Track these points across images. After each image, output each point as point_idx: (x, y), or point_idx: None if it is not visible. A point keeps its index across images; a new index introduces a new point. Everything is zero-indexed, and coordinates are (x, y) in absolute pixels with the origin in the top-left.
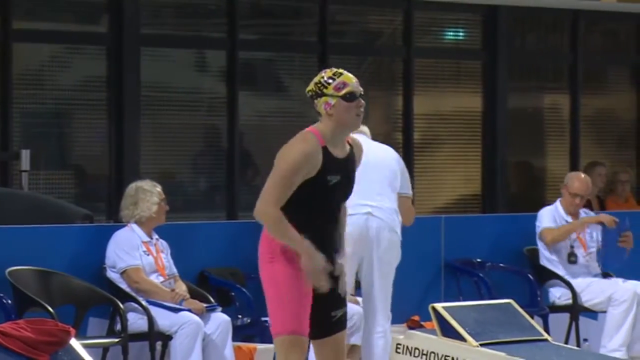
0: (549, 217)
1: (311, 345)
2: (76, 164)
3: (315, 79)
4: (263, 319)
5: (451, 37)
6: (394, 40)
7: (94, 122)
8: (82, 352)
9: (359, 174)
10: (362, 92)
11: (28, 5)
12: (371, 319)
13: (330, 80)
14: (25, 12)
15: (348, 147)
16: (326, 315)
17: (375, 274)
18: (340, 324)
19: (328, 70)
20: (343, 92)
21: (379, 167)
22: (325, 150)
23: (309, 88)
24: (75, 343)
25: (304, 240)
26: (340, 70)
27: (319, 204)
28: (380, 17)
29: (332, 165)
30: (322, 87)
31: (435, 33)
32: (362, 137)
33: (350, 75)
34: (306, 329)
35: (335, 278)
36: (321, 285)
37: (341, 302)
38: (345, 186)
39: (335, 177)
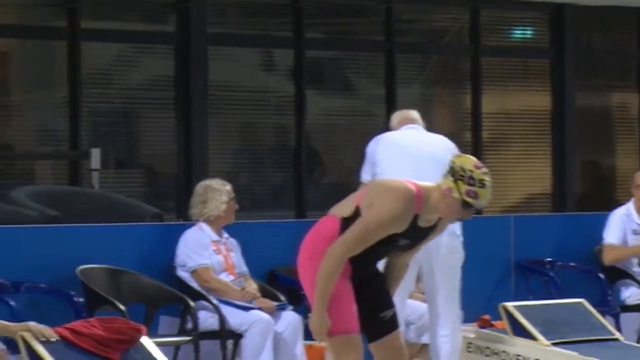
0: (617, 227)
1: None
2: (145, 163)
3: (466, 163)
4: None
5: (518, 36)
6: (460, 39)
7: (162, 121)
8: (154, 350)
9: (415, 168)
10: (480, 210)
11: (96, 5)
12: (435, 323)
13: (470, 181)
14: (93, 11)
15: (437, 219)
16: (376, 317)
17: (437, 280)
18: (391, 324)
19: (482, 169)
20: (467, 199)
21: (435, 162)
22: (415, 218)
23: (456, 160)
24: (146, 341)
25: (326, 299)
26: (486, 181)
27: (371, 249)
28: (446, 15)
29: (411, 232)
30: (460, 175)
31: (502, 31)
32: (416, 129)
33: (488, 193)
34: (356, 327)
35: (380, 277)
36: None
37: (389, 303)
38: (407, 248)
39: (405, 240)
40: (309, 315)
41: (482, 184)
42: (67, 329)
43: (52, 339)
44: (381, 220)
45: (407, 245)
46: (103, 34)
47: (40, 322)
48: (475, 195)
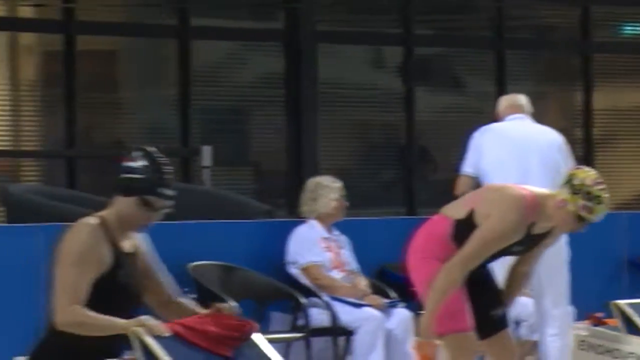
0: None
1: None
2: (255, 160)
3: (586, 179)
4: None
5: (630, 32)
6: (571, 35)
7: (272, 119)
8: (266, 346)
9: (521, 162)
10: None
11: (206, 3)
12: (543, 323)
13: (587, 197)
14: (203, 9)
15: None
16: (486, 315)
17: (542, 280)
18: (501, 322)
19: (601, 185)
20: (582, 213)
21: (542, 156)
22: (530, 225)
23: (577, 173)
24: (258, 338)
25: (438, 309)
26: (603, 198)
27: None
28: (556, 11)
29: (525, 239)
30: (577, 189)
31: (613, 27)
32: (523, 119)
33: (603, 210)
34: (470, 325)
35: (490, 277)
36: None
37: (499, 301)
38: (521, 253)
39: (519, 247)
40: (419, 312)
41: (598, 201)
42: (179, 324)
43: (165, 335)
44: (500, 234)
45: (520, 251)
46: (213, 32)
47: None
48: (590, 211)
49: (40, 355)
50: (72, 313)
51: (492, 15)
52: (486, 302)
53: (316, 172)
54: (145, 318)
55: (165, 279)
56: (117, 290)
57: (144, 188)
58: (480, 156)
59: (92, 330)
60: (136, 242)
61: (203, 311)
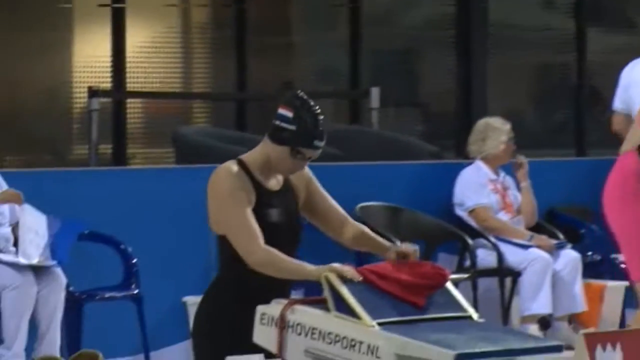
0: None
1: None
2: (423, 102)
3: None
4: (613, 256)
5: None
6: None
7: (441, 60)
8: (457, 293)
9: None
10: None
11: None
12: None
13: None
14: None
15: None
16: None
17: None
18: None
19: None
20: None
21: None
22: None
23: None
24: (449, 284)
25: None
26: None
27: None
28: None
29: None
30: None
31: None
32: None
33: None
34: None
35: None
36: None
37: None
38: None
39: None
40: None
41: None
42: (372, 271)
43: (356, 280)
44: None
45: None
46: None
47: (321, 262)
48: None
49: (212, 296)
50: (263, 252)
51: None
52: None
53: (485, 113)
54: (337, 265)
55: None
56: (269, 229)
57: (296, 139)
58: (627, 88)
59: (281, 272)
60: (285, 178)
61: (390, 251)
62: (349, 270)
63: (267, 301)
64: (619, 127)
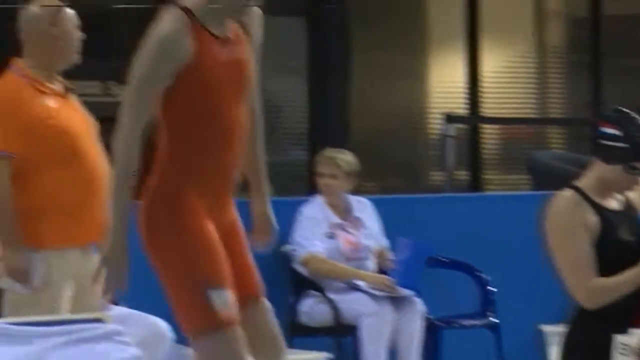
0: None
1: None
2: None
3: None
4: None
5: None
6: None
7: None
8: None
9: None
10: None
11: None
12: None
13: None
14: None
15: None
16: None
17: None
18: None
19: None
20: None
21: None
22: None
23: None
24: None
25: None
26: None
27: None
28: None
29: None
30: None
31: None
32: None
33: None
34: None
35: None
36: None
37: None
38: None
39: None
40: None
41: None
42: None
43: None
44: None
45: None
46: None
47: None
48: None
49: (579, 325)
50: (591, 290)
51: None
52: None
53: None
54: None
55: None
56: (619, 248)
57: (630, 156)
58: None
59: (617, 293)
60: (625, 196)
61: None
62: None
63: (624, 325)
64: None
